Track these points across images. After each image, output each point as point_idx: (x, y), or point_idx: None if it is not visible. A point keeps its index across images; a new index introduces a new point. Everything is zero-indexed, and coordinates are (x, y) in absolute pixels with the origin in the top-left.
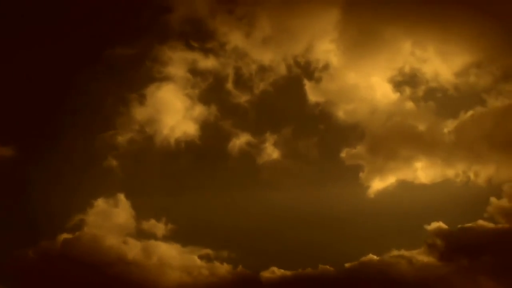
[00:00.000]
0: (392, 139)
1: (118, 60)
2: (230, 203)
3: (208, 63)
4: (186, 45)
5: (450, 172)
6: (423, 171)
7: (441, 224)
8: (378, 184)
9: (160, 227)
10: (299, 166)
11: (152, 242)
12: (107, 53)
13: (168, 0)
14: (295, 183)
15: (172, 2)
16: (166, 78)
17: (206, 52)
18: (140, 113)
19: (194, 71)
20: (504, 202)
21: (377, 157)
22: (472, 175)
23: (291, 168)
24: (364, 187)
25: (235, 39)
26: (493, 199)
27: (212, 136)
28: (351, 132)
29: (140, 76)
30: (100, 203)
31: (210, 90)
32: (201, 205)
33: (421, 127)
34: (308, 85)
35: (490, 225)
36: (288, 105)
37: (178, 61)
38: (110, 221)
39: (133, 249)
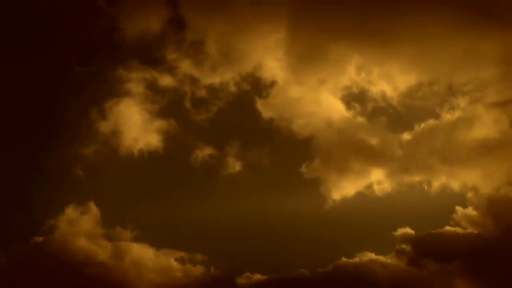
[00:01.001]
0: (346, 152)
1: (81, 78)
2: (194, 210)
3: (164, 81)
4: (141, 63)
5: (406, 182)
6: (379, 183)
7: (408, 230)
8: (337, 195)
9: (127, 233)
10: (260, 178)
11: (123, 245)
12: (71, 71)
13: (121, 21)
14: (258, 194)
15: (125, 23)
16: (125, 94)
17: (161, 72)
18: (103, 126)
19: (153, 88)
20: (469, 210)
21: (334, 170)
22: (425, 186)
23: (253, 179)
24: (325, 197)
25: (185, 64)
26: (458, 208)
27: (174, 148)
28: (307, 146)
29: (101, 92)
30: (71, 210)
31: (169, 106)
32: (166, 212)
33: (373, 140)
34: (259, 102)
35: (458, 230)
36: (243, 121)
37: (136, 79)
38: (80, 226)
39: (104, 251)
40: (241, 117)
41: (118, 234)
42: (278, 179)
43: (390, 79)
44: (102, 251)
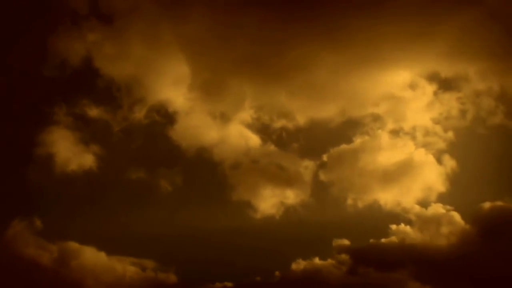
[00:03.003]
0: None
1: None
2: (130, 222)
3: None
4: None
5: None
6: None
7: (345, 241)
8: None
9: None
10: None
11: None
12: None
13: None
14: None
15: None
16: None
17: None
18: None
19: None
20: (402, 227)
21: (256, 191)
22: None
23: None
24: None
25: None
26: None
27: (107, 168)
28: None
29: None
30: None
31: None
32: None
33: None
34: (172, 131)
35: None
36: (160, 147)
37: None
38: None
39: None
40: (157, 144)
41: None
42: (203, 198)
43: (291, 110)
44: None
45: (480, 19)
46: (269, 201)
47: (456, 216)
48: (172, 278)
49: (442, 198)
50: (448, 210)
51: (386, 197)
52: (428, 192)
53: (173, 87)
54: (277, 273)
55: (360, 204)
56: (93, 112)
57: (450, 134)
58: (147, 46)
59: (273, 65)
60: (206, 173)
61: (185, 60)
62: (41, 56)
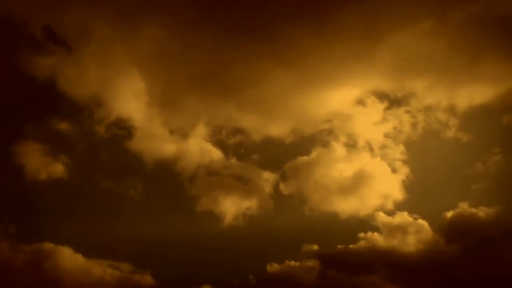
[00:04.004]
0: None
1: None
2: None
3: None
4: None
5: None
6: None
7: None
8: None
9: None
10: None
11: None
12: None
13: None
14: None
15: None
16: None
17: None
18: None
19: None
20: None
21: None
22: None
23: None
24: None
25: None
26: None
27: (76, 177)
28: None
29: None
30: None
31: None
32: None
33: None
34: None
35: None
36: (131, 161)
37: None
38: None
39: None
40: (119, 156)
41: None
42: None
43: (245, 127)
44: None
45: (423, 35)
46: (232, 210)
47: (420, 222)
48: (149, 279)
49: (400, 206)
50: (415, 218)
51: (346, 206)
52: (385, 201)
53: (131, 103)
54: (251, 276)
55: (321, 212)
56: (61, 126)
57: (402, 147)
58: (104, 66)
59: (225, 82)
60: (170, 184)
61: (140, 77)
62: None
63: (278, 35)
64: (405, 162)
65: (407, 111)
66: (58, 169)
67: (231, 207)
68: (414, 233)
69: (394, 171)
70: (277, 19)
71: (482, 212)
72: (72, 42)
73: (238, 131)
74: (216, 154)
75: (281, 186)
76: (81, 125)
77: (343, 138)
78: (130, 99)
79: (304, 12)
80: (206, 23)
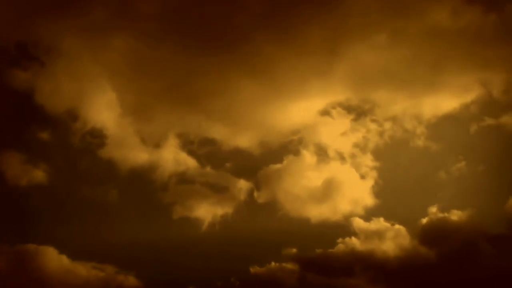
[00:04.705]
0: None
1: None
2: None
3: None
4: None
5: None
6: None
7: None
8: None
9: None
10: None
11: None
12: None
13: None
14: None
15: None
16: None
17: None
18: None
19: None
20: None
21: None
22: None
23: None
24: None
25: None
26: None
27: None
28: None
29: None
30: None
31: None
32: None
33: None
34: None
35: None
36: (106, 169)
37: None
38: None
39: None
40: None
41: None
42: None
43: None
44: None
45: (380, 48)
46: (208, 217)
47: (396, 227)
48: (133, 281)
49: (372, 212)
50: (392, 224)
51: (319, 212)
52: (356, 207)
53: (105, 113)
54: (232, 279)
55: (296, 218)
56: (40, 136)
57: (370, 156)
58: (76, 79)
59: (193, 92)
60: (145, 191)
61: (112, 88)
62: None
63: (245, 46)
64: (374, 169)
65: (374, 121)
66: (38, 175)
67: (207, 214)
68: (391, 238)
69: (363, 178)
70: (244, 31)
71: (455, 215)
72: (44, 57)
73: (208, 141)
74: (189, 162)
75: (255, 193)
76: (59, 135)
77: (312, 148)
78: (103, 110)
79: (270, 25)
80: (175, 34)
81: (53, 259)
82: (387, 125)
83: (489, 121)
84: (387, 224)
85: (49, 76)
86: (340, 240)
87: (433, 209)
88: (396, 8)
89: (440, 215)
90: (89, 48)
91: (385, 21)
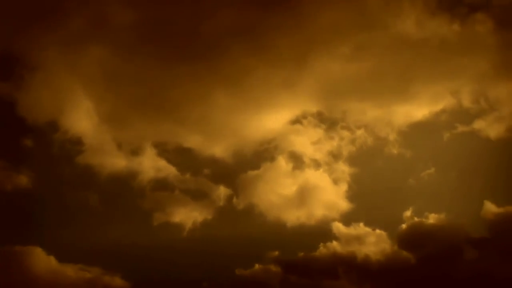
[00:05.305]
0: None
1: None
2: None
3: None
4: None
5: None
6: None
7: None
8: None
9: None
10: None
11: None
12: None
13: None
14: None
15: None
16: None
17: None
18: None
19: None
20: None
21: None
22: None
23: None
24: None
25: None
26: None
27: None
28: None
29: None
30: None
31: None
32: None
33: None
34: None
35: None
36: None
37: None
38: None
39: None
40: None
41: None
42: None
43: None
44: None
45: (345, 59)
46: (188, 223)
47: (377, 232)
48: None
49: (349, 217)
50: (373, 229)
51: (295, 217)
52: (331, 212)
53: (83, 122)
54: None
55: (275, 222)
56: (24, 143)
57: (344, 163)
58: (55, 90)
59: (168, 101)
60: (127, 197)
61: (89, 98)
62: None
63: (218, 57)
64: (348, 175)
65: (345, 128)
66: (23, 180)
67: (187, 219)
68: (371, 242)
69: (337, 183)
70: (217, 43)
71: (432, 219)
72: (23, 71)
73: (184, 149)
74: (168, 169)
75: (235, 199)
76: (41, 143)
77: (287, 155)
78: (81, 119)
79: (243, 37)
80: (149, 45)
81: (42, 260)
82: (359, 133)
83: (462, 128)
84: (368, 229)
85: (29, 89)
86: (321, 244)
87: (408, 213)
88: (361, 20)
89: (416, 219)
90: (66, 60)
91: (351, 33)
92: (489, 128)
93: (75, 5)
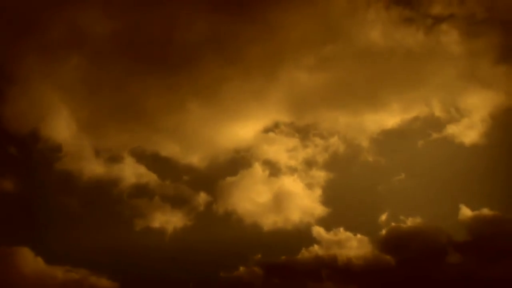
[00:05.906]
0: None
1: None
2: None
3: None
4: None
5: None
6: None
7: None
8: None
9: None
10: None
11: None
12: None
13: None
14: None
15: None
16: None
17: None
18: None
19: None
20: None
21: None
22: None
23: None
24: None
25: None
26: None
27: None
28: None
29: None
30: None
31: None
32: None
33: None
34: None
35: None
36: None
37: None
38: None
39: None
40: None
41: None
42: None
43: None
44: None
45: (318, 68)
46: (169, 228)
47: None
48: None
49: (328, 222)
50: (354, 234)
51: (273, 221)
52: (306, 216)
53: (62, 130)
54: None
55: (254, 227)
56: (9, 151)
57: (319, 170)
58: (35, 101)
59: (143, 110)
60: (108, 203)
61: (68, 107)
62: None
63: (192, 68)
64: (324, 181)
65: (317, 135)
66: (8, 185)
67: (168, 225)
68: (351, 246)
69: (311, 189)
70: (191, 53)
71: (411, 223)
72: (1, 83)
73: (161, 157)
74: (149, 176)
75: (214, 205)
76: (23, 151)
77: (262, 164)
78: (61, 127)
79: (215, 48)
80: (126, 55)
81: (30, 262)
82: (332, 140)
83: (436, 135)
84: (349, 234)
85: (8, 101)
86: (304, 249)
87: (383, 217)
88: (328, 31)
89: (394, 224)
90: (44, 70)
91: (318, 44)
92: (462, 134)
93: (52, 15)
